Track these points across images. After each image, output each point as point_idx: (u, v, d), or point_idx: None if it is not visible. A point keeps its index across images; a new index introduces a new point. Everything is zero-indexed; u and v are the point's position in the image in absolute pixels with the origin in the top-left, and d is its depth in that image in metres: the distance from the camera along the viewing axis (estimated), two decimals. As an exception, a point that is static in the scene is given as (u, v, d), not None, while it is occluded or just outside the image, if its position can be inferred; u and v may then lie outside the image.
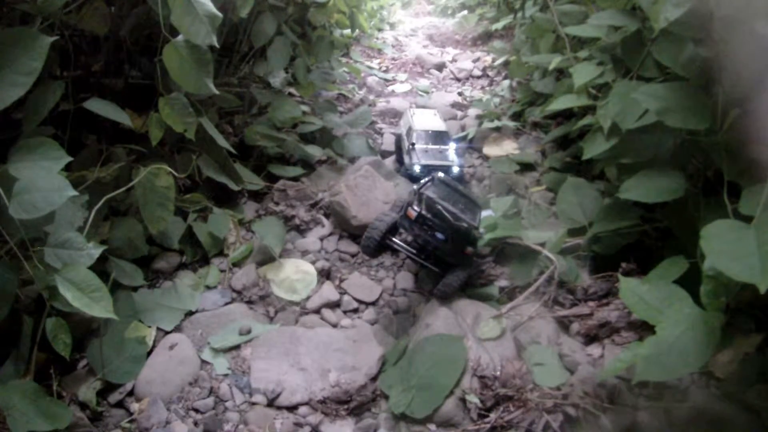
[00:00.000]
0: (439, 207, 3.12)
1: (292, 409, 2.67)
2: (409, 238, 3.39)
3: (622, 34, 3.16)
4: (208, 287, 3.37)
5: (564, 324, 2.99)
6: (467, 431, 2.49)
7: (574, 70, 3.36)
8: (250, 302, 3.32)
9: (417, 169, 4.41)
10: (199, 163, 3.66)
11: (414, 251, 3.36)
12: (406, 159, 4.61)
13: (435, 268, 3.30)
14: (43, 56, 2.16)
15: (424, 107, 5.74)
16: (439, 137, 4.69)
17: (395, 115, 6.23)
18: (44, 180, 2.21)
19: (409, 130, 4.74)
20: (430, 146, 4.59)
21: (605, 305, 2.94)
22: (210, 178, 3.74)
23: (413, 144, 4.58)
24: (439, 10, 12.23)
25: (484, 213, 3.57)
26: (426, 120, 4.88)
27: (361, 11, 7.08)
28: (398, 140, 5.02)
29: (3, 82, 2.11)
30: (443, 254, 3.19)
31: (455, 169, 4.45)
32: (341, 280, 3.53)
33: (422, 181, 3.45)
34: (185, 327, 3.07)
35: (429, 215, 3.09)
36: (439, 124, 4.86)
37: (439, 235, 3.09)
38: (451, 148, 4.64)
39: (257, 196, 4.23)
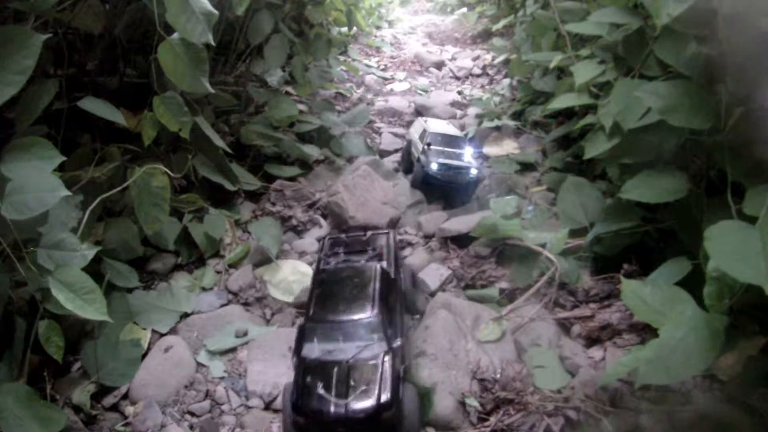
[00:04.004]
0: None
1: (289, 412, 2.64)
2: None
3: (623, 31, 3.12)
4: (203, 289, 3.34)
5: (565, 326, 2.96)
6: (467, 435, 2.46)
7: (575, 68, 3.33)
8: (246, 304, 3.28)
9: (434, 167, 4.32)
10: (194, 162, 3.63)
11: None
12: (422, 158, 4.47)
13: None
14: (36, 54, 2.13)
15: (436, 118, 5.64)
16: (454, 141, 4.66)
17: (394, 114, 6.19)
18: (37, 180, 2.17)
19: (424, 132, 4.68)
20: (446, 149, 4.54)
21: (607, 307, 2.90)
22: (206, 178, 3.71)
23: (429, 144, 4.51)
24: (438, 7, 12.18)
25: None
26: (440, 127, 4.87)
27: (358, 9, 7.04)
28: (407, 147, 4.92)
29: (-5, 80, 2.07)
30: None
31: (473, 171, 4.39)
32: (339, 281, 3.49)
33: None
34: (181, 329, 3.03)
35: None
36: (453, 131, 4.88)
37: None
38: (468, 152, 4.59)
39: (254, 196, 4.19)
